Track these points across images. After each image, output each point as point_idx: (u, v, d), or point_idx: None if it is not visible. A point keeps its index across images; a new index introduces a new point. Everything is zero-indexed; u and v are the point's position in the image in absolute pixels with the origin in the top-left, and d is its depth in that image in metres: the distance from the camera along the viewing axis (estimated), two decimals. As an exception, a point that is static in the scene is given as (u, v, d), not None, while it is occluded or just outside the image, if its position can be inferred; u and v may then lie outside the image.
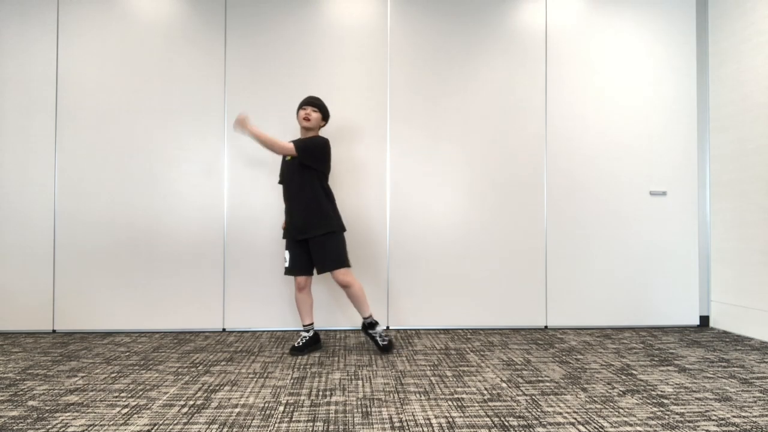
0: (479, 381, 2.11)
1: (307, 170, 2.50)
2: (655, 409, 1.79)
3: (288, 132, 3.13)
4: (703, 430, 1.61)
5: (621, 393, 1.96)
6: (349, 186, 3.15)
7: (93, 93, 3.07)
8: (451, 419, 1.68)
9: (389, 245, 3.16)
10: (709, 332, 3.13)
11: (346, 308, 3.14)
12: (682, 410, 1.78)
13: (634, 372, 2.25)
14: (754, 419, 1.70)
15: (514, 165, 3.23)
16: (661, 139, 3.31)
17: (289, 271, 2.57)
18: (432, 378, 2.15)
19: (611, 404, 1.83)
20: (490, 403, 1.84)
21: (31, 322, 3.01)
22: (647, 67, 3.32)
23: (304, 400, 1.87)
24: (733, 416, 1.72)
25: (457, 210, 3.20)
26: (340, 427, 1.62)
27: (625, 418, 1.70)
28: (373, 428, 1.61)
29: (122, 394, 1.93)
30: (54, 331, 3.04)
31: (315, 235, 2.48)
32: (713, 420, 1.69)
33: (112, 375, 2.18)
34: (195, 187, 3.09)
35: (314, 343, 2.62)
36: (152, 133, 3.08)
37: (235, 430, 1.59)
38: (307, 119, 2.54)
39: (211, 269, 3.08)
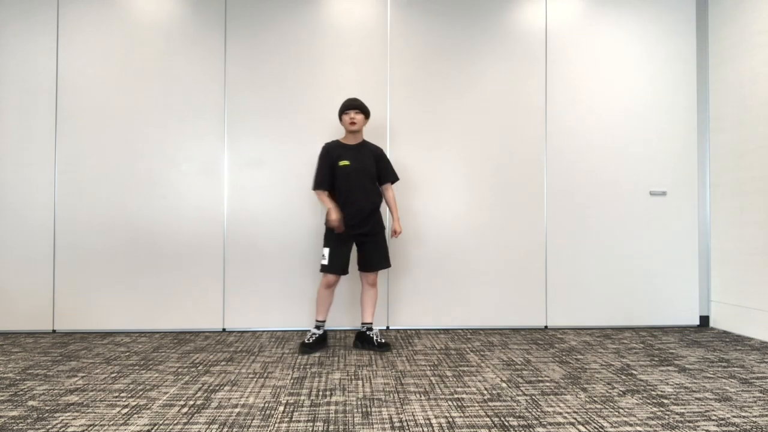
0: (479, 381, 2.11)
1: (376, 175, 2.70)
2: (655, 409, 1.79)
3: (288, 131, 3.12)
4: (703, 430, 1.61)
5: (621, 393, 1.96)
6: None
7: (93, 93, 3.07)
8: (451, 419, 1.68)
9: (389, 245, 3.15)
10: (709, 332, 3.13)
11: (346, 308, 3.14)
12: (682, 410, 1.78)
13: (634, 372, 2.25)
14: (754, 419, 1.70)
15: (515, 165, 3.23)
16: (661, 139, 3.31)
17: (328, 269, 2.56)
18: (432, 378, 2.15)
19: (611, 404, 1.83)
20: (490, 403, 1.84)
21: (31, 322, 3.01)
22: (647, 67, 3.32)
23: (304, 400, 1.87)
24: (733, 416, 1.72)
25: (457, 210, 3.20)
26: (340, 427, 1.62)
27: (625, 418, 1.70)
28: (373, 428, 1.61)
29: (122, 394, 1.93)
30: (54, 331, 3.04)
31: (377, 231, 2.65)
32: (713, 420, 1.69)
33: (112, 375, 2.18)
34: (195, 187, 3.09)
35: (322, 341, 2.66)
36: (152, 133, 3.08)
37: (235, 430, 1.59)
38: (353, 123, 2.62)
39: (211, 269, 3.08)
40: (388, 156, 3.16)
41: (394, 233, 2.71)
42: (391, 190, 2.76)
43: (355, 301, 3.13)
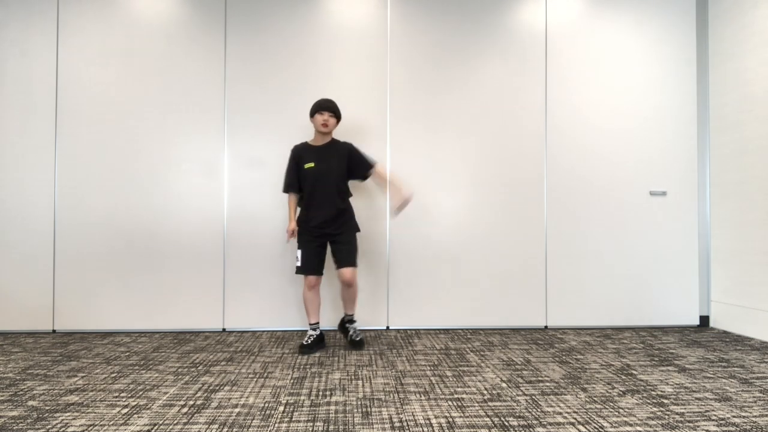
0: (479, 381, 2.11)
1: (345, 174, 2.67)
2: (655, 409, 1.79)
3: (288, 131, 3.12)
4: (703, 430, 1.61)
5: (621, 393, 1.96)
6: (349, 186, 3.15)
7: (93, 93, 3.07)
8: (451, 419, 1.68)
9: (389, 245, 3.16)
10: (709, 332, 3.13)
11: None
12: (682, 410, 1.78)
13: (634, 372, 2.25)
14: (754, 419, 1.70)
15: (514, 165, 3.23)
16: (661, 139, 3.31)
17: (302, 270, 2.60)
18: (432, 378, 2.15)
19: (611, 404, 1.83)
20: (490, 403, 1.84)
21: (31, 322, 3.01)
22: (647, 67, 3.32)
23: (304, 400, 1.87)
24: (733, 416, 1.72)
25: (456, 210, 3.20)
26: (340, 427, 1.62)
27: (625, 418, 1.70)
28: (373, 428, 1.61)
29: (122, 394, 1.93)
30: (54, 331, 3.04)
31: (343, 231, 2.63)
32: (713, 420, 1.69)
33: (112, 375, 2.18)
34: (195, 187, 3.09)
35: (320, 342, 2.67)
36: (152, 133, 3.08)
37: (235, 430, 1.59)
38: (325, 125, 2.61)
39: (211, 269, 3.08)
40: (386, 156, 3.16)
41: (402, 204, 2.57)
42: (379, 171, 2.70)
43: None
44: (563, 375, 2.20)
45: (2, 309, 3.00)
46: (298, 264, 2.62)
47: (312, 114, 2.64)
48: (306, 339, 2.62)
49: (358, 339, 2.69)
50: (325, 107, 2.61)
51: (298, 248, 2.64)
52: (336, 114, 2.65)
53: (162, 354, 2.54)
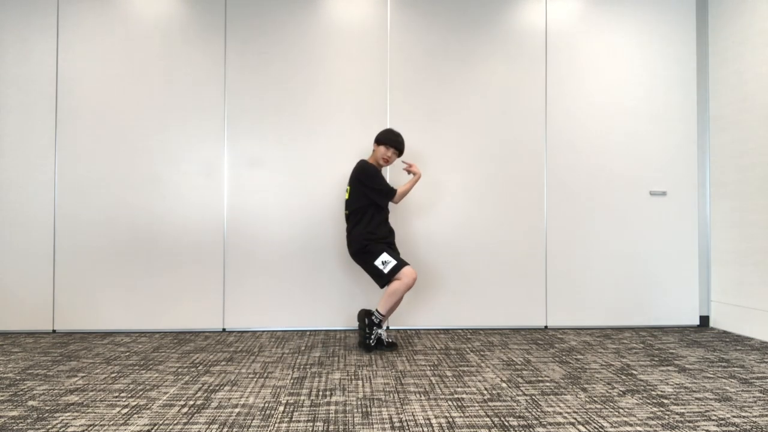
0: (479, 381, 2.11)
1: None
2: (655, 409, 1.79)
3: (288, 132, 3.12)
4: (703, 430, 1.61)
5: (621, 393, 1.96)
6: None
7: (93, 93, 3.07)
8: (451, 419, 1.68)
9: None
10: (709, 332, 3.14)
11: (344, 308, 3.13)
12: (682, 410, 1.78)
13: (634, 372, 2.25)
14: (754, 419, 1.70)
15: (514, 165, 3.23)
16: (661, 139, 3.31)
17: (400, 265, 2.56)
18: (432, 378, 2.15)
19: (611, 404, 1.83)
20: (490, 403, 1.84)
21: (31, 322, 3.01)
22: (647, 67, 3.32)
23: (304, 400, 1.87)
24: (733, 416, 1.72)
25: (457, 210, 3.20)
26: (340, 427, 1.62)
27: (625, 418, 1.70)
28: (373, 428, 1.61)
29: (122, 394, 1.93)
30: (54, 331, 3.04)
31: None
32: (713, 420, 1.69)
33: (112, 375, 2.18)
34: (195, 187, 3.09)
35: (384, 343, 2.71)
36: (152, 133, 3.08)
37: (235, 430, 1.59)
38: (387, 161, 2.73)
39: (211, 269, 3.08)
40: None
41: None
42: None
43: (355, 302, 3.13)
44: (563, 375, 2.20)
45: (2, 309, 3.00)
46: (393, 263, 2.56)
47: (379, 141, 2.71)
48: (372, 339, 2.61)
49: (390, 341, 2.69)
50: (395, 144, 2.71)
51: (381, 253, 2.58)
52: (401, 153, 2.77)
53: (162, 354, 2.54)
